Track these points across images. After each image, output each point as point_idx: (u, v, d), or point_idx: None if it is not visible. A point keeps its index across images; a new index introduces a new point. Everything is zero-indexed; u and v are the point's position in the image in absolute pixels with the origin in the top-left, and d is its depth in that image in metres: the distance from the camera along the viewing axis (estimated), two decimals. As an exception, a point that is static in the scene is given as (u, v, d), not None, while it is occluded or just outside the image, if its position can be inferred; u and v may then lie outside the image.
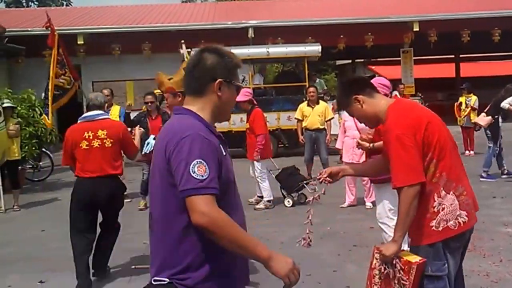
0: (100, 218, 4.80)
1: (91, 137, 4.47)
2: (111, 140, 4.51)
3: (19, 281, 4.77)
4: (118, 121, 6.01)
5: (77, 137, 4.49)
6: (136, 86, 15.31)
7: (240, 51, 10.96)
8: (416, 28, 16.02)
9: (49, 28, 7.99)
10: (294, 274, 1.83)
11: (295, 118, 9.38)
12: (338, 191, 6.99)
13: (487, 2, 17.23)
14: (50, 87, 7.89)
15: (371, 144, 4.41)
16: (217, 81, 1.93)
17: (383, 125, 2.64)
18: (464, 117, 11.52)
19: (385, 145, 2.63)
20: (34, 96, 10.00)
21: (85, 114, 4.73)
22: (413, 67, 17.24)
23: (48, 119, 8.08)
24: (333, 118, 9.32)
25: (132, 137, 5.05)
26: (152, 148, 3.98)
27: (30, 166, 10.53)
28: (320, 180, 2.82)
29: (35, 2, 32.24)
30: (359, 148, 4.78)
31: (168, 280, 1.85)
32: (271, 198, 7.45)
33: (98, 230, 4.81)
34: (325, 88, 16.80)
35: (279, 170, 7.70)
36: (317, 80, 15.38)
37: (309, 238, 2.70)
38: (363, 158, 5.69)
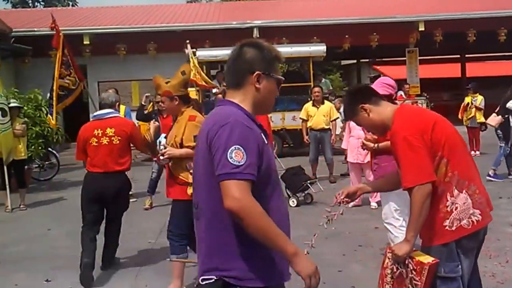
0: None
1: (100, 135, 4.69)
2: (119, 138, 4.72)
3: (25, 280, 4.79)
4: (126, 118, 6.12)
5: (88, 134, 4.74)
6: (141, 86, 15.35)
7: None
8: (421, 28, 15.94)
9: (54, 29, 8.04)
10: (315, 278, 1.83)
11: (300, 118, 9.37)
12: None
13: (493, 1, 17.12)
14: (54, 87, 7.96)
15: (376, 145, 4.43)
16: (255, 74, 1.95)
17: (390, 130, 2.64)
18: (469, 118, 11.45)
19: (393, 148, 2.61)
20: (41, 96, 10.06)
21: (96, 113, 5.00)
22: (418, 67, 17.19)
23: (53, 119, 8.16)
24: (338, 118, 9.30)
25: (147, 132, 5.11)
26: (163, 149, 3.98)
27: (37, 165, 10.58)
28: (339, 202, 2.78)
29: (41, 3, 32.34)
30: (364, 149, 4.80)
31: (215, 278, 1.85)
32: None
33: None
34: (331, 88, 16.75)
35: (284, 170, 7.72)
36: (323, 80, 15.32)
37: (312, 240, 2.70)
38: (368, 158, 5.69)
